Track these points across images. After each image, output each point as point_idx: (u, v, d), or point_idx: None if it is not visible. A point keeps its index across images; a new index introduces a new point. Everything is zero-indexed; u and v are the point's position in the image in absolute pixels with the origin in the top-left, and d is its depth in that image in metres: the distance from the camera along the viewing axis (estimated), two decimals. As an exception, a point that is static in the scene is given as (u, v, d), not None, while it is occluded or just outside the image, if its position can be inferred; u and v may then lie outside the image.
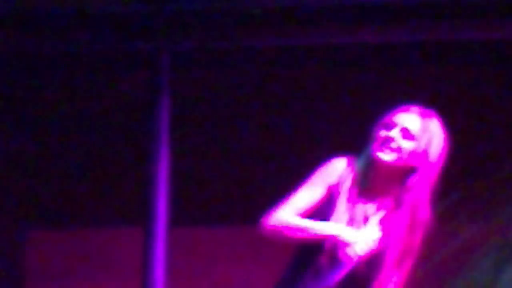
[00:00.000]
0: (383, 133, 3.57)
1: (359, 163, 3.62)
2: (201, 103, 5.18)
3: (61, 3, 5.77)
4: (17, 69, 6.32)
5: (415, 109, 3.65)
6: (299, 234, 3.53)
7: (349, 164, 3.64)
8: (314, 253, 3.60)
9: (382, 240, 3.62)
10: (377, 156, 3.56)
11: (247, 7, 5.65)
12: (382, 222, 3.65)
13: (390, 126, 3.59)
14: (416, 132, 3.58)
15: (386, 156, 3.54)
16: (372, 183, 3.66)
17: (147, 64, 5.82)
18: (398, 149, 3.55)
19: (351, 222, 3.62)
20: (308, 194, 3.61)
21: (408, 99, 4.30)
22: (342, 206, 3.63)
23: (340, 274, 3.57)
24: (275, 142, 5.89)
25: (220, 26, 5.66)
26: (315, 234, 3.52)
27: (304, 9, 5.66)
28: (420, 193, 3.64)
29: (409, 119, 3.61)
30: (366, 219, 3.64)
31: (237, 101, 5.89)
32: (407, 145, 3.56)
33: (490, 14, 5.61)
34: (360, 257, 3.51)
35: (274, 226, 3.55)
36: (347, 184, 3.61)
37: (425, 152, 3.60)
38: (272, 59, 6.08)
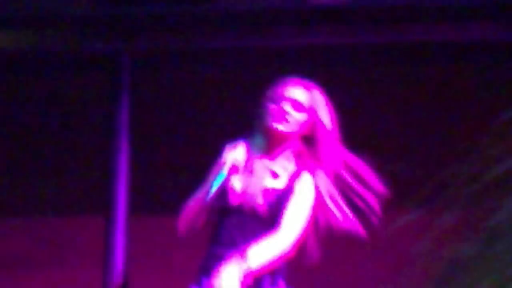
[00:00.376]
0: (274, 106, 3.77)
1: (256, 139, 3.80)
2: (158, 101, 5.30)
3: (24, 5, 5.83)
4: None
5: (300, 82, 3.85)
6: (194, 206, 3.73)
7: (242, 144, 3.80)
8: (221, 222, 3.73)
9: (275, 193, 3.79)
10: (274, 128, 3.74)
11: (205, 10, 5.91)
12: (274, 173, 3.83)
13: (280, 99, 3.78)
14: (304, 103, 3.79)
15: (281, 127, 3.73)
16: (270, 153, 3.85)
17: (109, 64, 5.84)
18: (291, 120, 3.75)
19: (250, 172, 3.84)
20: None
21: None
22: (237, 178, 3.84)
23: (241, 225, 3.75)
24: (229, 135, 6.00)
25: (176, 28, 5.69)
26: (202, 195, 3.71)
27: (255, 12, 5.78)
28: (319, 158, 3.84)
29: (297, 92, 3.80)
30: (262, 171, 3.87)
31: (193, 99, 5.94)
32: (298, 116, 3.77)
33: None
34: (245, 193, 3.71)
35: (180, 220, 3.75)
36: (244, 160, 3.80)
37: (315, 120, 3.81)
38: (229, 60, 6.34)
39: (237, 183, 3.80)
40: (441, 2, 5.84)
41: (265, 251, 3.78)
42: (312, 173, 3.86)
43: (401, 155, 6.31)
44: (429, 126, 6.45)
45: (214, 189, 3.68)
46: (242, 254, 3.70)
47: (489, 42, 6.03)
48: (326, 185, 3.87)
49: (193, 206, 3.79)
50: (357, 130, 5.59)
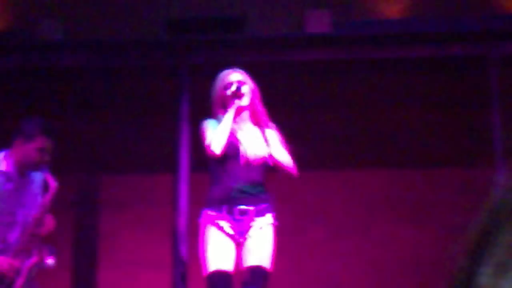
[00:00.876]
0: (229, 91, 4.51)
1: (223, 119, 4.48)
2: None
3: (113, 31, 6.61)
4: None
5: (233, 69, 4.63)
6: (226, 134, 4.43)
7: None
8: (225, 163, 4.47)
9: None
10: (238, 104, 4.49)
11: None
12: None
13: (230, 84, 4.53)
14: (244, 80, 4.58)
15: (243, 102, 4.53)
16: (238, 119, 4.54)
17: (174, 74, 6.40)
18: (245, 94, 4.53)
19: (240, 139, 4.51)
20: (215, 129, 4.47)
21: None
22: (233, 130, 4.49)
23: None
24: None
25: (219, 48, 6.32)
26: (228, 124, 4.44)
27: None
28: (262, 110, 4.61)
29: (236, 75, 4.59)
30: (247, 136, 4.55)
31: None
32: (246, 88, 4.54)
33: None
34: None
35: (215, 145, 4.40)
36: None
37: (252, 89, 4.60)
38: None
39: (241, 144, 4.46)
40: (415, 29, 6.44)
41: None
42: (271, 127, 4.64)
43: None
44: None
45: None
46: None
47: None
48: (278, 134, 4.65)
49: (221, 133, 4.41)
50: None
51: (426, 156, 6.70)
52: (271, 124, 4.66)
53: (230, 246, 4.40)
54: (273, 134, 4.62)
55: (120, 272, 6.66)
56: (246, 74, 4.65)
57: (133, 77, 6.86)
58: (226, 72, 4.64)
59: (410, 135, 6.77)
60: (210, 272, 4.34)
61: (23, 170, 4.84)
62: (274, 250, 4.54)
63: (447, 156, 6.66)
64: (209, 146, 4.42)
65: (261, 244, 4.46)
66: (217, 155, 4.43)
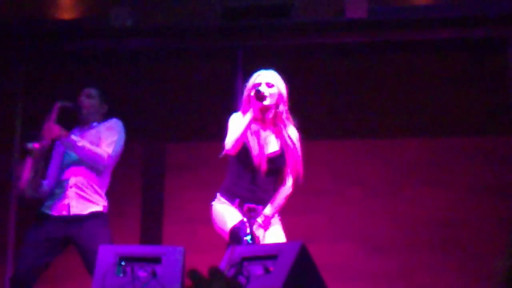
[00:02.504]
0: (253, 91, 4.42)
1: (250, 112, 4.38)
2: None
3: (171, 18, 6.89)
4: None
5: (264, 70, 4.53)
6: (241, 135, 4.33)
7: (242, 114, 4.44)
8: (244, 164, 4.43)
9: (277, 149, 4.44)
10: (262, 103, 4.39)
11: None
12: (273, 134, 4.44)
13: (258, 85, 4.45)
14: (273, 82, 4.48)
15: (266, 101, 4.43)
16: (260, 120, 4.49)
17: (230, 56, 6.68)
18: (270, 95, 4.44)
19: (258, 141, 4.42)
20: (235, 127, 4.41)
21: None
22: (249, 133, 4.42)
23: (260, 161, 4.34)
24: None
25: (268, 33, 6.56)
26: (246, 126, 4.33)
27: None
28: (285, 114, 4.49)
29: (266, 76, 4.50)
30: (264, 139, 4.45)
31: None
32: (272, 90, 4.46)
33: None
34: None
35: (229, 145, 4.37)
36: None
37: (280, 92, 4.49)
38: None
39: (254, 148, 4.38)
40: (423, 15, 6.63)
41: (279, 204, 4.44)
42: (292, 125, 4.53)
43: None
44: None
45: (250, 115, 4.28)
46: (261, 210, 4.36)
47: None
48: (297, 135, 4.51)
49: (239, 134, 4.35)
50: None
51: (450, 126, 6.93)
52: (293, 128, 4.56)
53: (240, 213, 4.39)
54: (292, 137, 4.54)
55: (181, 227, 6.92)
56: (278, 75, 4.55)
57: (193, 58, 7.14)
58: (259, 72, 4.56)
59: (436, 109, 6.99)
60: (230, 229, 4.34)
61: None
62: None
63: (468, 127, 6.89)
64: (225, 143, 4.42)
65: (272, 237, 4.43)
66: (230, 153, 4.42)
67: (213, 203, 4.49)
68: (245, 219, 4.29)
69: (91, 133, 5.24)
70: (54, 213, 5.08)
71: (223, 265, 3.93)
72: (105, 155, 5.11)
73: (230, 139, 4.35)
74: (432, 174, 6.82)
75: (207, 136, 6.89)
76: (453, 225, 6.66)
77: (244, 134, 4.32)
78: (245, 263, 3.82)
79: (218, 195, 4.49)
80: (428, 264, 6.66)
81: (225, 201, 4.45)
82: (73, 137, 5.05)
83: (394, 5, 6.67)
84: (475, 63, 6.88)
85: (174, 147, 7.19)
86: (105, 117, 5.40)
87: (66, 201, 5.09)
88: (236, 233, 4.25)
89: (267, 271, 3.76)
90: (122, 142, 5.22)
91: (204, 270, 5.17)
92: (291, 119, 4.52)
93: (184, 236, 6.81)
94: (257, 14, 6.61)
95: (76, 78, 7.17)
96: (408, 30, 6.59)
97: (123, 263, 4.03)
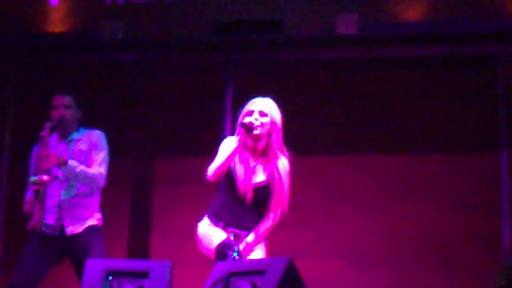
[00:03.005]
0: (247, 119, 4.31)
1: (236, 141, 4.28)
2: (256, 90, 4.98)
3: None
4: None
5: (260, 98, 4.44)
6: (223, 164, 4.25)
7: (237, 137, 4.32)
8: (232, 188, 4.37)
9: (266, 178, 4.35)
10: (253, 132, 4.29)
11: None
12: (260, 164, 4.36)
13: (251, 113, 4.35)
14: (266, 111, 4.39)
15: (257, 131, 4.33)
16: (251, 148, 4.41)
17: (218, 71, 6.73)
18: (261, 124, 4.35)
19: (245, 169, 4.34)
20: (221, 154, 4.32)
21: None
22: (237, 161, 4.35)
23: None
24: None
25: (259, 48, 6.61)
26: (229, 156, 4.24)
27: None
28: (277, 144, 4.40)
29: (260, 104, 4.40)
30: (252, 168, 4.37)
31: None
32: (265, 120, 4.37)
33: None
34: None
35: (210, 172, 4.30)
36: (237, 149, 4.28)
37: (273, 121, 4.39)
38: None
39: (240, 177, 4.30)
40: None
41: (261, 234, 4.37)
42: (284, 157, 4.44)
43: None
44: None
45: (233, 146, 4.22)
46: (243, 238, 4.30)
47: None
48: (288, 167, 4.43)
49: (222, 164, 4.28)
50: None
51: (439, 142, 6.93)
52: (284, 159, 4.47)
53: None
54: (280, 170, 4.44)
55: (169, 242, 6.91)
56: (273, 104, 4.46)
57: (183, 72, 7.16)
58: (254, 99, 4.46)
59: (425, 124, 7.00)
60: (215, 247, 4.30)
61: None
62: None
63: (457, 143, 6.89)
64: (208, 170, 4.35)
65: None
66: (211, 180, 4.35)
67: (199, 224, 4.46)
68: (231, 237, 4.28)
69: (77, 148, 5.21)
70: (48, 231, 5.08)
71: (209, 280, 3.90)
72: (101, 177, 5.13)
73: (212, 167, 4.30)
74: (422, 190, 6.83)
75: (196, 150, 6.94)
76: (443, 241, 6.69)
77: (226, 163, 4.26)
78: (233, 279, 3.81)
79: (205, 216, 4.47)
80: (418, 280, 6.68)
81: (210, 223, 4.41)
82: (71, 162, 5.02)
83: (384, 21, 6.70)
84: (464, 80, 6.92)
85: (162, 161, 7.21)
86: (80, 122, 5.35)
87: (59, 222, 5.09)
88: (223, 249, 4.22)
89: (254, 286, 3.75)
90: (108, 156, 5.21)
91: (191, 285, 5.20)
92: (284, 149, 4.45)
93: (172, 251, 6.81)
94: (248, 29, 6.64)
95: (66, 91, 7.06)
96: (399, 46, 6.65)
97: (110, 277, 4.01)
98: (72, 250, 5.08)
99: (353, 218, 6.85)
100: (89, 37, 6.93)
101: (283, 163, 4.39)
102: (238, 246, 4.27)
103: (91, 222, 5.13)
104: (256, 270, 3.76)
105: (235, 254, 4.15)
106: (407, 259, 6.72)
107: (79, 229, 5.10)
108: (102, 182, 5.14)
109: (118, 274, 4.00)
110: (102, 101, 7.13)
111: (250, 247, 4.30)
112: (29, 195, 4.98)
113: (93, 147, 5.16)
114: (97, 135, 5.19)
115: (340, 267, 6.74)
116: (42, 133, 5.00)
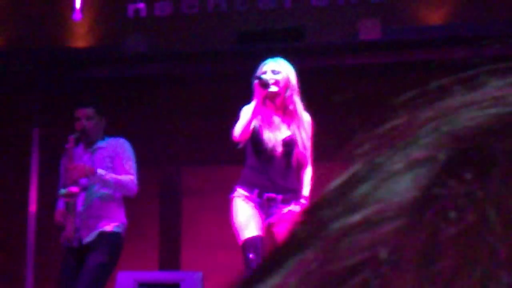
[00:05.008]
0: (259, 77, 4.41)
1: (255, 100, 4.40)
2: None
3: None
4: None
5: (271, 59, 4.56)
6: (247, 123, 4.36)
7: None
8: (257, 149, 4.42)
9: (288, 135, 4.40)
10: (268, 89, 4.40)
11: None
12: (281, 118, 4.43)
13: (263, 73, 4.46)
14: (278, 68, 4.49)
15: (273, 88, 4.45)
16: (271, 107, 4.50)
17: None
18: (276, 81, 4.45)
19: (269, 126, 4.42)
20: (240, 117, 4.45)
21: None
22: (261, 120, 4.45)
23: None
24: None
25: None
26: (251, 114, 4.35)
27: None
28: (294, 99, 4.50)
29: (272, 64, 4.51)
30: (276, 124, 4.45)
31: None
32: (278, 76, 4.46)
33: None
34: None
35: (237, 132, 4.41)
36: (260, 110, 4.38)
37: (287, 77, 4.49)
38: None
39: (265, 133, 4.39)
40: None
41: (308, 186, 4.45)
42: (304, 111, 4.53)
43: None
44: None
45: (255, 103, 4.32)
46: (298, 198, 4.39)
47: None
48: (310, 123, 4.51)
49: (247, 122, 4.38)
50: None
51: None
52: (304, 115, 4.55)
53: (259, 217, 4.40)
54: (304, 126, 4.54)
55: (199, 251, 6.93)
56: (284, 62, 4.53)
57: (208, 82, 7.20)
58: (267, 60, 4.58)
59: None
60: (244, 240, 4.33)
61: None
62: None
63: None
64: (233, 133, 4.44)
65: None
66: (238, 141, 4.44)
67: (233, 196, 4.47)
68: (261, 235, 4.29)
69: (102, 157, 5.24)
70: (71, 235, 5.10)
71: None
72: (132, 183, 5.16)
73: (237, 128, 4.39)
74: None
75: (223, 160, 6.94)
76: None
77: (250, 122, 4.33)
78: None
79: (237, 188, 4.46)
80: None
81: (244, 192, 4.42)
82: (99, 171, 5.05)
83: (407, 25, 6.73)
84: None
85: (190, 171, 7.27)
86: (106, 131, 5.39)
87: (77, 234, 5.12)
88: (246, 249, 4.27)
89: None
90: (135, 164, 5.25)
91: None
92: (300, 103, 4.51)
93: (202, 261, 6.79)
94: (271, 38, 6.65)
95: (87, 102, 7.15)
96: (422, 50, 6.64)
97: (141, 289, 3.99)
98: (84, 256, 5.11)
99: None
100: (112, 50, 6.98)
101: (305, 116, 4.48)
102: (271, 215, 4.34)
103: (106, 228, 5.13)
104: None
105: (253, 256, 4.22)
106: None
107: (93, 237, 5.12)
108: (134, 188, 5.16)
109: (150, 286, 4.00)
110: (127, 114, 7.17)
111: (307, 200, 4.33)
112: (60, 206, 5.03)
113: (119, 155, 5.20)
114: (121, 143, 5.23)
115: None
116: (67, 146, 5.07)
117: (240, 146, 4.47)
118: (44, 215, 6.85)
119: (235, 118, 6.79)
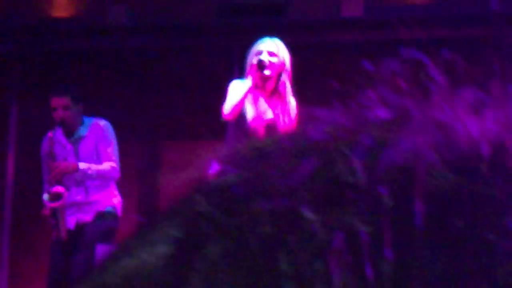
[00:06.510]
0: (255, 59, 4.33)
1: (250, 80, 4.34)
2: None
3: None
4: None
5: (268, 38, 4.49)
6: (239, 102, 4.31)
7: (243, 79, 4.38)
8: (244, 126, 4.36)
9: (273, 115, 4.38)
10: (263, 71, 4.32)
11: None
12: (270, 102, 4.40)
13: (259, 52, 4.36)
14: (275, 51, 4.39)
15: (268, 71, 4.35)
16: (261, 88, 4.43)
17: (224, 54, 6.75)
18: (270, 64, 4.35)
19: (256, 108, 4.39)
20: (234, 94, 4.34)
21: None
22: (248, 100, 4.38)
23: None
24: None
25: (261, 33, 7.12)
26: (244, 94, 4.30)
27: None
28: (285, 85, 4.44)
29: (269, 44, 4.42)
30: (263, 107, 4.42)
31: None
32: (274, 59, 4.37)
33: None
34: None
35: (227, 110, 4.33)
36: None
37: (282, 62, 4.40)
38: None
39: (250, 114, 4.35)
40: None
41: None
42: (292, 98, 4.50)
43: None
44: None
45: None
46: None
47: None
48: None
49: (237, 102, 4.32)
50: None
51: None
52: (292, 99, 4.53)
53: None
54: (289, 112, 4.50)
55: None
56: (282, 44, 4.47)
57: (189, 56, 7.16)
58: (264, 39, 4.48)
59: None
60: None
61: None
62: None
63: None
64: (223, 109, 4.39)
65: None
66: (228, 118, 4.39)
67: (210, 172, 4.41)
68: None
69: (84, 145, 5.24)
70: (64, 235, 5.13)
71: None
72: (113, 170, 5.19)
73: (228, 105, 4.32)
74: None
75: (201, 134, 6.85)
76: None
77: (242, 100, 4.29)
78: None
79: (214, 164, 4.39)
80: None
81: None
82: (81, 165, 5.07)
83: (390, 3, 6.74)
84: (471, 63, 6.84)
85: (170, 146, 7.27)
86: (84, 112, 5.33)
87: (74, 219, 5.17)
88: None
89: None
90: (116, 146, 5.26)
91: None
92: (291, 92, 4.48)
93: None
94: (253, 12, 6.63)
95: (71, 77, 7.18)
96: (405, 29, 6.49)
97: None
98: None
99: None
100: (94, 22, 7.00)
101: (292, 104, 4.43)
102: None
103: (101, 209, 5.19)
104: None
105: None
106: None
107: (89, 218, 5.19)
108: (116, 175, 5.21)
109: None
110: (109, 86, 7.14)
111: None
112: (48, 209, 5.02)
113: (101, 140, 5.21)
114: (103, 128, 5.22)
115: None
116: (47, 143, 5.07)
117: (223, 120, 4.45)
118: (22, 186, 6.82)
119: (216, 92, 6.94)
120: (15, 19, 7.08)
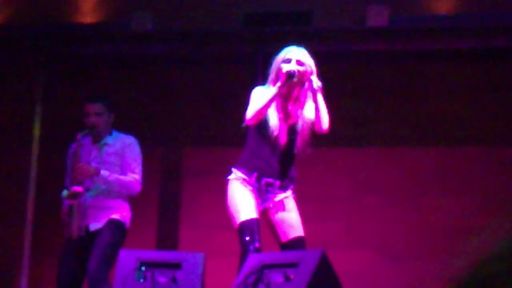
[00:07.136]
0: (286, 66, 4.37)
1: (276, 87, 4.33)
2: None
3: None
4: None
5: (295, 47, 4.51)
6: (264, 108, 4.30)
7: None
8: (266, 133, 4.37)
9: (295, 115, 4.41)
10: (292, 80, 4.33)
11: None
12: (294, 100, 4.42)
13: (288, 61, 4.42)
14: (303, 60, 4.44)
15: (295, 79, 4.36)
16: (285, 95, 4.45)
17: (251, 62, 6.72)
18: (300, 74, 4.39)
19: (279, 114, 4.39)
20: (258, 100, 4.33)
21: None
22: (274, 109, 4.40)
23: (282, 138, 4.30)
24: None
25: (288, 40, 6.76)
26: (269, 100, 4.30)
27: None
28: (306, 93, 4.45)
29: (297, 53, 4.46)
30: (286, 113, 4.42)
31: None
32: (301, 69, 4.40)
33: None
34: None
35: (250, 115, 4.31)
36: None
37: (310, 72, 4.43)
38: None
39: (273, 120, 4.36)
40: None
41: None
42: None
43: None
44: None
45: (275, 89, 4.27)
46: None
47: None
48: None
49: (262, 107, 4.31)
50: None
51: (468, 135, 6.95)
52: (311, 105, 4.48)
53: (255, 200, 4.35)
54: (309, 117, 4.49)
55: (198, 232, 6.99)
56: (307, 53, 4.49)
57: (213, 64, 7.19)
58: (291, 47, 4.51)
59: (455, 118, 6.99)
60: (240, 223, 4.28)
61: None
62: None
63: (486, 136, 6.92)
64: (246, 114, 4.38)
65: (292, 215, 4.41)
66: (250, 124, 4.39)
67: (230, 177, 4.42)
68: (257, 218, 4.28)
69: (109, 153, 5.32)
70: (75, 233, 5.19)
71: (242, 273, 3.89)
72: (136, 183, 5.27)
73: (252, 110, 4.32)
74: (450, 182, 6.84)
75: (225, 141, 6.99)
76: (471, 233, 6.68)
77: (267, 106, 4.30)
78: (266, 271, 3.78)
79: (234, 169, 4.40)
80: (445, 273, 6.67)
81: (242, 175, 4.39)
82: (103, 172, 5.15)
83: (415, 13, 6.70)
84: (494, 73, 6.90)
85: (192, 152, 7.27)
86: (113, 124, 5.45)
87: (84, 223, 5.21)
88: (243, 232, 4.24)
89: (287, 279, 3.71)
90: (141, 161, 5.33)
91: (220, 276, 5.20)
92: (312, 96, 4.48)
93: (200, 242, 6.85)
94: (278, 21, 6.64)
95: (95, 82, 7.26)
96: (429, 39, 6.62)
97: (143, 268, 4.03)
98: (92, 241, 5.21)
99: (381, 210, 6.89)
100: (119, 27, 7.03)
101: (311, 111, 4.45)
102: (269, 200, 4.37)
103: (114, 217, 5.24)
104: (289, 263, 3.73)
105: (249, 240, 4.20)
106: (436, 250, 6.76)
107: (101, 224, 5.22)
108: (138, 188, 5.28)
109: (151, 265, 4.03)
110: (133, 92, 7.18)
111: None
112: (65, 207, 5.12)
113: (126, 154, 5.28)
114: (130, 143, 5.31)
115: (369, 259, 6.78)
116: (74, 145, 5.17)
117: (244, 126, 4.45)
118: (44, 192, 6.86)
119: (239, 100, 6.95)
120: (42, 25, 7.13)
